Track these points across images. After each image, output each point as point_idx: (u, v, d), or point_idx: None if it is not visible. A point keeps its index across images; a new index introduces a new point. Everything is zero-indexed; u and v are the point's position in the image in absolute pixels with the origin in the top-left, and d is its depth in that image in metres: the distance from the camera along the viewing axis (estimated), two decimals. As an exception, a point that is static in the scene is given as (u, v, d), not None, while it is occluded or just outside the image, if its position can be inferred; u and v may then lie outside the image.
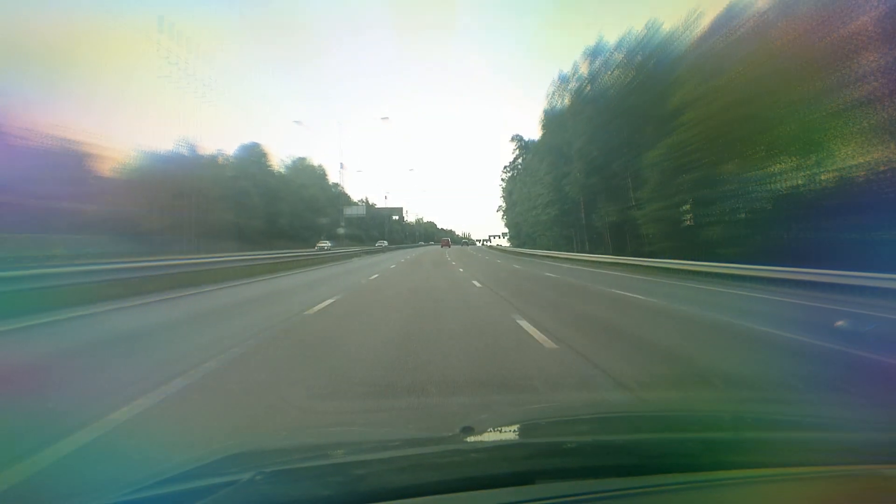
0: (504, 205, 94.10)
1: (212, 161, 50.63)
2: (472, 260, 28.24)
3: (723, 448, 1.17)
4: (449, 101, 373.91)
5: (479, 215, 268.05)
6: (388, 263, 22.05)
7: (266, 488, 0.92)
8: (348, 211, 71.48)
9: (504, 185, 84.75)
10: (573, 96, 30.17)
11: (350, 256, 30.37)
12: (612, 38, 26.85)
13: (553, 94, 33.11)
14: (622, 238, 27.13)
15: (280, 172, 65.09)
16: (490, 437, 1.45)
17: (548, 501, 0.87)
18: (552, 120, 33.59)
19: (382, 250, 51.15)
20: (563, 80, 31.70)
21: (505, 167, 63.76)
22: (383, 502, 0.86)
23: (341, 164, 58.29)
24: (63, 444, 2.37)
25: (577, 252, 30.49)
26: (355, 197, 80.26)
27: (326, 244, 41.58)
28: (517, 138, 59.82)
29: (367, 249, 44.72)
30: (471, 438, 1.32)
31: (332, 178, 73.36)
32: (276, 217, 55.33)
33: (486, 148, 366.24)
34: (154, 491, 0.98)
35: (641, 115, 23.30)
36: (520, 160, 59.07)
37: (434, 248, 64.89)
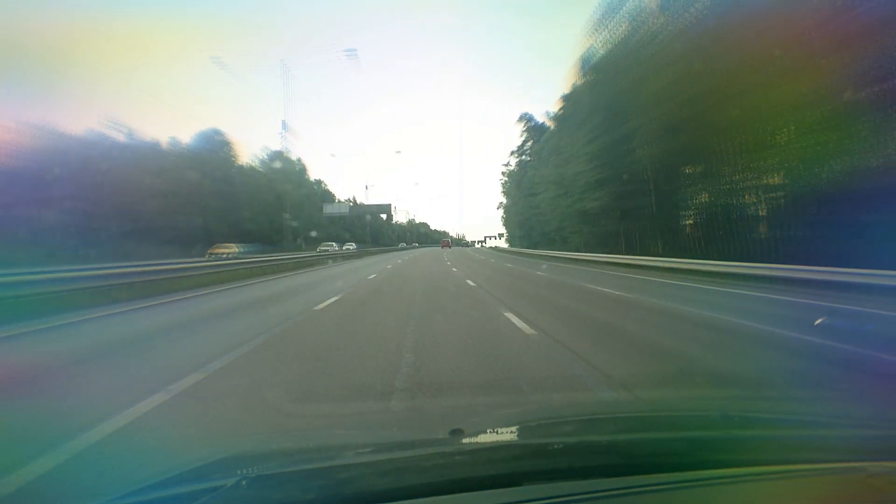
0: (505, 201, 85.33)
1: (151, 148, 40.44)
2: (495, 273, 17.98)
3: (710, 447, 1.17)
4: (443, 99, 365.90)
5: (473, 217, 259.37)
6: (326, 292, 10.65)
7: (250, 493, 0.91)
8: (329, 209, 61.52)
9: (505, 179, 76.14)
10: (636, 18, 20.05)
11: (281, 268, 19.78)
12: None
13: (597, 24, 22.87)
14: (716, 231, 17.30)
15: (250, 166, 55.03)
16: (476, 439, 1.40)
17: (534, 503, 0.86)
18: (598, 67, 23.44)
19: (345, 256, 35.86)
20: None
21: (512, 152, 53.32)
22: None
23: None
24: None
25: (634, 254, 20.62)
26: (343, 196, 69.39)
27: (231, 251, 28.81)
28: (526, 118, 49.50)
29: (325, 255, 32.39)
30: (457, 441, 1.28)
31: (314, 174, 63.44)
32: (235, 216, 45.04)
33: (482, 149, 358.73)
34: (137, 498, 0.96)
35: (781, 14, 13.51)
36: (528, 144, 49.04)
37: (429, 252, 53.75)
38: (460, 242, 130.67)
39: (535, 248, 43.98)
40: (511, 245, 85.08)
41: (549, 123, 41.91)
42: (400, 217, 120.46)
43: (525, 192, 44.04)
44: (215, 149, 48.37)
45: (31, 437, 2.63)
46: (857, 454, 1.11)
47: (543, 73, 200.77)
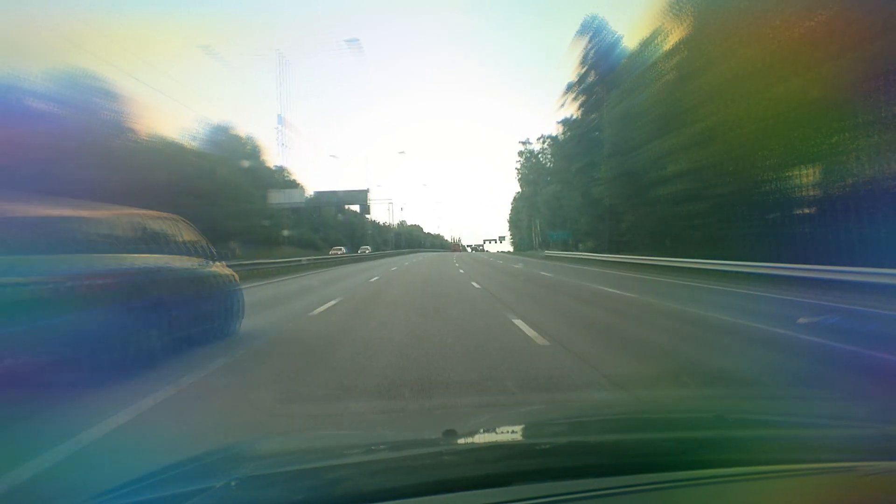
0: (522, 189, 67.42)
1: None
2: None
3: (700, 446, 1.15)
4: (442, 99, 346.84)
5: (471, 220, 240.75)
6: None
7: (240, 494, 0.90)
8: (277, 198, 41.62)
9: (521, 161, 58.23)
10: None
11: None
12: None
13: None
14: None
15: (164, 138, 34.45)
16: (466, 439, 1.36)
17: (523, 503, 0.85)
18: None
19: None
20: None
21: (569, 86, 31.90)
22: None
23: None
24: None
25: None
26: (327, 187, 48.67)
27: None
28: (591, 28, 28.91)
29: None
30: (447, 441, 1.25)
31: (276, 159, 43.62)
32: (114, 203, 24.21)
33: (482, 151, 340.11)
34: (125, 500, 0.96)
35: None
36: (591, 76, 29.43)
37: (421, 263, 32.43)
38: (471, 247, 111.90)
39: (595, 251, 25.09)
40: (516, 249, 69.46)
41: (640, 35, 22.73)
42: (382, 212, 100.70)
43: (610, 150, 23.95)
44: (85, 98, 28.24)
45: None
46: (850, 454, 1.09)
47: (543, 74, 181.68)
